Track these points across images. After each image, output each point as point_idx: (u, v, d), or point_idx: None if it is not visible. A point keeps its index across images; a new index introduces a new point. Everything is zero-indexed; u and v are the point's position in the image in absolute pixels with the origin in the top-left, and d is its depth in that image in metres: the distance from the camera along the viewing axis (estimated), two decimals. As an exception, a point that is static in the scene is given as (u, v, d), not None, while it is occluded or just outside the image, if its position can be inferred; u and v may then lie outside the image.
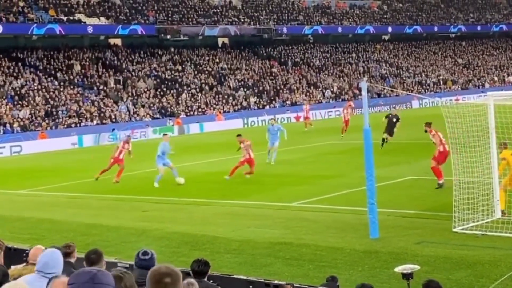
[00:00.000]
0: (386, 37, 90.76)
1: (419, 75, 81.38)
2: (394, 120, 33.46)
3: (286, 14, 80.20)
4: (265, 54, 76.20)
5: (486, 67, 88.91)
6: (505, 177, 17.07)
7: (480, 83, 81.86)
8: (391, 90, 68.12)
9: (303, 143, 38.88)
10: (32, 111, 52.87)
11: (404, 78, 79.47)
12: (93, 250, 8.28)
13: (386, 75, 78.98)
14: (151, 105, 59.11)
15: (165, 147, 26.47)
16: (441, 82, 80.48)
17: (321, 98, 68.77)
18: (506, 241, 14.34)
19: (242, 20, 74.84)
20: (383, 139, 32.30)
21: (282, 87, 69.07)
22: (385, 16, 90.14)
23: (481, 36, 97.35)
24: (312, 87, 70.72)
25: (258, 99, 65.13)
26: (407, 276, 9.34)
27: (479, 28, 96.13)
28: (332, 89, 70.98)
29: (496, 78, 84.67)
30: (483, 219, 15.88)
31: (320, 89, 70.89)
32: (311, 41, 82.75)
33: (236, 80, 67.87)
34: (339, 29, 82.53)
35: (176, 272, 4.53)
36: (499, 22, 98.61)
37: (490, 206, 16.26)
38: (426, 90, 76.52)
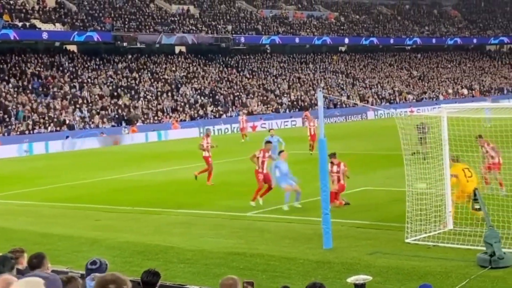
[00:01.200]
0: (343, 48, 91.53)
1: (375, 86, 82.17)
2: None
3: (244, 24, 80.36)
4: (222, 63, 76.21)
5: (441, 79, 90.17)
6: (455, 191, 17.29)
7: (435, 95, 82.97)
8: (347, 101, 68.62)
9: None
10: (-15, 117, 52.00)
11: (360, 89, 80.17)
12: (34, 254, 8.15)
13: (342, 86, 79.55)
14: (107, 112, 58.57)
15: (283, 167, 22.01)
16: (396, 93, 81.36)
17: (279, 107, 68.89)
18: (457, 252, 14.49)
19: (200, 29, 74.76)
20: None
21: (239, 96, 69.09)
22: (342, 27, 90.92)
23: (436, 49, 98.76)
24: (269, 97, 70.86)
25: (214, 108, 65.05)
26: (359, 287, 9.36)
27: (434, 41, 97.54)
28: (289, 99, 71.23)
29: (450, 91, 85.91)
30: (435, 230, 16.03)
31: (276, 98, 71.06)
32: (268, 51, 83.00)
33: (193, 89, 67.70)
34: (297, 40, 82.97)
35: (122, 279, 4.51)
36: (453, 35, 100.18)
37: (442, 217, 16.43)
38: (382, 101, 77.26)
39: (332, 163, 20.53)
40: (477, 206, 14.34)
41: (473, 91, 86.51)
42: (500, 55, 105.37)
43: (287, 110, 69.02)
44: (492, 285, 12.16)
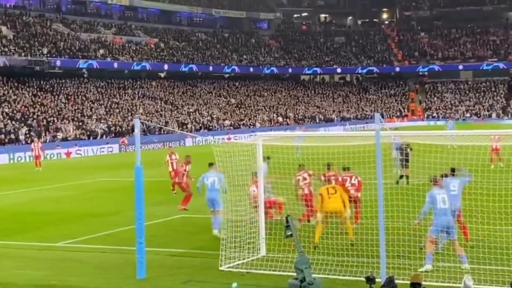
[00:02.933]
0: (162, 74, 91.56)
1: (193, 113, 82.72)
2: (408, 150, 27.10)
3: (60, 47, 78.17)
4: (36, 86, 73.57)
5: (257, 107, 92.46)
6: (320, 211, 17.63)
7: (251, 123, 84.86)
8: (165, 128, 68.44)
9: (72, 180, 37.68)
10: None
11: (179, 116, 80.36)
12: None
13: (161, 112, 79.37)
14: None
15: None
16: (215, 120, 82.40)
17: (97, 131, 67.42)
18: (269, 278, 14.68)
19: (13, 51, 71.84)
20: (401, 176, 27.92)
21: (53, 121, 66.89)
22: (161, 53, 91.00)
23: (253, 77, 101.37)
24: (85, 122, 69.22)
25: (27, 133, 62.50)
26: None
27: (251, 69, 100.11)
28: (106, 125, 69.97)
29: (266, 118, 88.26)
30: (248, 257, 16.18)
31: (93, 123, 69.56)
32: (85, 75, 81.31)
33: (4, 113, 64.71)
34: (115, 64, 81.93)
35: None
36: (270, 64, 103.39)
37: (256, 244, 16.62)
38: (200, 128, 77.87)
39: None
40: (288, 233, 14.54)
41: (288, 119, 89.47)
42: (313, 84, 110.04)
43: (104, 136, 67.71)
44: (302, 310, 12.34)
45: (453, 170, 17.52)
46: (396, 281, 13.14)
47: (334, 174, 20.45)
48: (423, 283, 12.91)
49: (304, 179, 20.60)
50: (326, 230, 16.99)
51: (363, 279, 13.31)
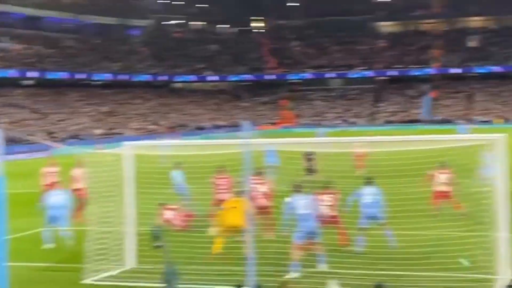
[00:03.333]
0: (30, 82, 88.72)
1: (62, 122, 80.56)
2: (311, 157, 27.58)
3: None
4: None
5: (129, 115, 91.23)
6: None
7: (123, 131, 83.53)
8: (31, 138, 66.28)
9: None
10: None
11: (47, 125, 78.05)
12: None
13: (28, 122, 76.81)
14: None
15: None
16: (85, 129, 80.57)
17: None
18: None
19: None
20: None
21: None
22: (29, 60, 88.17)
23: (125, 85, 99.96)
24: None
25: None
26: None
27: (123, 77, 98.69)
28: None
29: (138, 126, 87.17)
30: (115, 269, 15.76)
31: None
32: None
33: None
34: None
35: None
36: (142, 72, 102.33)
37: (123, 256, 16.21)
38: (70, 138, 75.84)
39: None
40: (157, 244, 14.26)
41: (160, 127, 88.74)
42: (186, 92, 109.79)
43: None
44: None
45: (369, 179, 17.95)
46: (265, 289, 13.17)
47: (227, 177, 20.44)
48: (291, 290, 12.99)
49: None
50: (192, 239, 16.77)
51: (233, 287, 13.26)
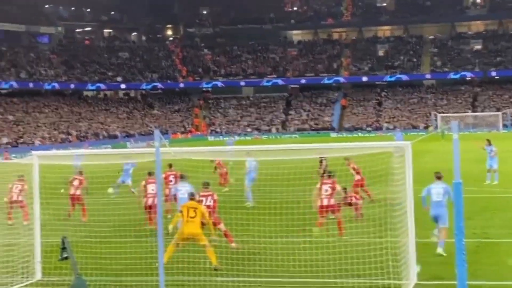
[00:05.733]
0: None
1: (-32, 131, 78.15)
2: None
3: None
4: None
5: (37, 124, 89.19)
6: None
7: (31, 141, 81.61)
8: None
9: None
10: None
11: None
12: None
13: None
14: None
15: None
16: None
17: None
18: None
19: None
20: None
21: None
22: None
23: (33, 93, 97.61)
24: None
25: None
26: None
27: (31, 85, 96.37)
28: None
29: (47, 135, 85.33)
30: (22, 282, 15.38)
31: None
32: None
33: None
34: None
35: None
36: (51, 80, 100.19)
37: (31, 268, 15.84)
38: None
39: None
40: (65, 255, 14.01)
41: (70, 136, 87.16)
42: (97, 101, 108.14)
43: None
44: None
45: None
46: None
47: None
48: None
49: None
50: (100, 250, 16.52)
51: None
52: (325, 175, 20.13)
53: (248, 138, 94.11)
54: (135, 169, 28.72)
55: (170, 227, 17.14)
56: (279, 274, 14.89)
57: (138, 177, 25.06)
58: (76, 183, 24.69)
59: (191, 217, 16.16)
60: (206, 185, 18.81)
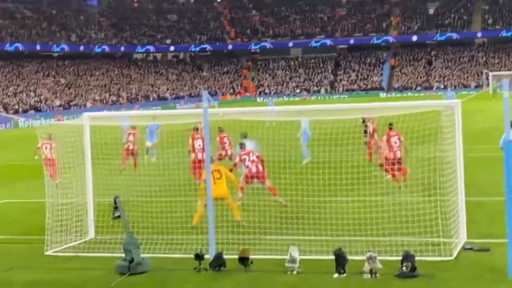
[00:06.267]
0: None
1: (20, 94, 79.49)
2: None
3: None
4: None
5: (88, 87, 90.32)
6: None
7: (82, 103, 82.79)
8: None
9: None
10: None
11: (4, 97, 76.93)
12: None
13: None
14: None
15: None
16: (43, 101, 79.63)
17: None
18: (98, 261, 14.35)
19: None
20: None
21: None
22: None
23: (84, 56, 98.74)
24: None
25: None
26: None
27: (81, 48, 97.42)
28: None
29: (98, 98, 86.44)
30: (76, 240, 15.76)
31: None
32: None
33: None
34: None
35: None
36: (101, 43, 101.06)
37: (84, 227, 16.20)
38: (28, 110, 75.02)
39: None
40: (116, 214, 14.28)
41: (121, 99, 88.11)
42: (146, 63, 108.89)
43: None
44: (130, 291, 12.21)
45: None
46: (225, 256, 13.30)
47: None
48: (251, 256, 13.14)
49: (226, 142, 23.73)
50: (151, 209, 16.79)
51: (193, 256, 13.38)
52: (391, 127, 20.89)
53: (296, 98, 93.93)
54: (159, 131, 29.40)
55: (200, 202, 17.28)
56: (328, 232, 14.95)
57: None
58: (131, 137, 26.51)
59: (217, 179, 16.37)
60: (244, 138, 20.10)
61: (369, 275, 12.13)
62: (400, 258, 12.28)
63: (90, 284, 12.74)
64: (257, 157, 18.77)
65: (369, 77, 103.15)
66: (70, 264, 14.24)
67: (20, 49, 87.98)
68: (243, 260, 13.05)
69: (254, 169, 18.43)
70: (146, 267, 13.34)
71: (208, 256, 13.42)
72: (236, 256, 13.23)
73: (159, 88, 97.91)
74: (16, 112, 71.44)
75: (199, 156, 22.58)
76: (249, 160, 18.55)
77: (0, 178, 27.43)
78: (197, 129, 23.30)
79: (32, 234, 17.01)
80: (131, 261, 13.26)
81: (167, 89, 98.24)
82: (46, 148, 21.98)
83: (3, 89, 79.27)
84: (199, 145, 22.84)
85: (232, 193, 17.53)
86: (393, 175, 20.28)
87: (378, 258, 12.27)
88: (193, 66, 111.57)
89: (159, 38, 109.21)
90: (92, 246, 15.25)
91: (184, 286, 12.27)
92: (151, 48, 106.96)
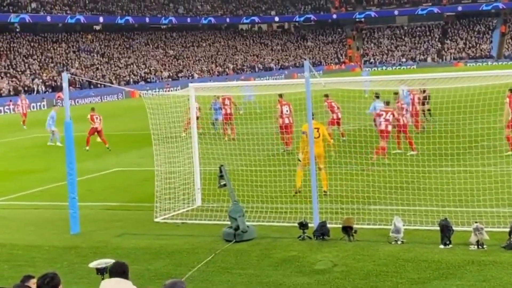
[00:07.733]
0: (98, 27, 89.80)
1: (130, 66, 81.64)
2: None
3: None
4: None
5: (195, 58, 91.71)
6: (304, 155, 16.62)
7: (190, 74, 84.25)
8: (99, 82, 67.40)
9: (7, 137, 36.94)
10: None
11: (115, 69, 79.22)
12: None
13: (97, 66, 78.07)
14: None
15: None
16: (153, 72, 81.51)
17: (33, 86, 65.96)
18: (205, 228, 14.70)
19: None
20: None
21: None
22: (96, 6, 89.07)
23: (191, 28, 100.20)
24: (18, 77, 67.68)
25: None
26: (101, 271, 9.07)
27: (188, 20, 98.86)
28: (41, 80, 68.53)
29: (205, 69, 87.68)
30: (183, 208, 16.19)
31: (27, 79, 68.09)
32: (17, 29, 79.16)
33: None
34: (48, 18, 79.84)
35: None
36: (207, 14, 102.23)
37: (191, 195, 16.61)
38: (138, 81, 77.00)
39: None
40: (222, 183, 14.57)
41: (227, 69, 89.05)
42: (251, 34, 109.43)
43: (41, 91, 66.40)
44: (236, 258, 12.45)
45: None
46: (329, 225, 13.37)
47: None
48: (355, 226, 13.17)
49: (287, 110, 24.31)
50: (256, 178, 17.00)
51: (297, 225, 13.52)
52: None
53: (403, 68, 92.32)
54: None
55: (300, 155, 17.14)
56: (433, 203, 14.79)
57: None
58: (227, 102, 27.63)
59: (315, 138, 15.70)
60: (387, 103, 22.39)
61: (475, 246, 11.94)
62: (508, 229, 12.02)
63: (197, 250, 13.06)
64: (393, 115, 21.37)
65: (478, 45, 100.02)
66: (178, 231, 14.64)
67: (130, 22, 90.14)
68: (347, 229, 13.09)
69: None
70: (251, 235, 13.58)
71: (312, 225, 13.53)
72: (340, 225, 13.29)
73: (264, 59, 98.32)
74: (127, 83, 73.40)
75: (286, 121, 23.97)
76: (384, 118, 21.11)
77: (113, 147, 28.34)
78: (281, 95, 24.14)
79: (142, 202, 17.59)
80: (237, 228, 13.53)
81: (272, 60, 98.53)
82: (97, 119, 27.70)
83: (114, 61, 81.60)
84: (287, 111, 24.16)
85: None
86: None
87: (485, 229, 12.06)
88: (298, 36, 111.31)
89: (264, 9, 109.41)
90: (199, 214, 15.63)
91: (288, 254, 12.43)
92: (256, 19, 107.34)
